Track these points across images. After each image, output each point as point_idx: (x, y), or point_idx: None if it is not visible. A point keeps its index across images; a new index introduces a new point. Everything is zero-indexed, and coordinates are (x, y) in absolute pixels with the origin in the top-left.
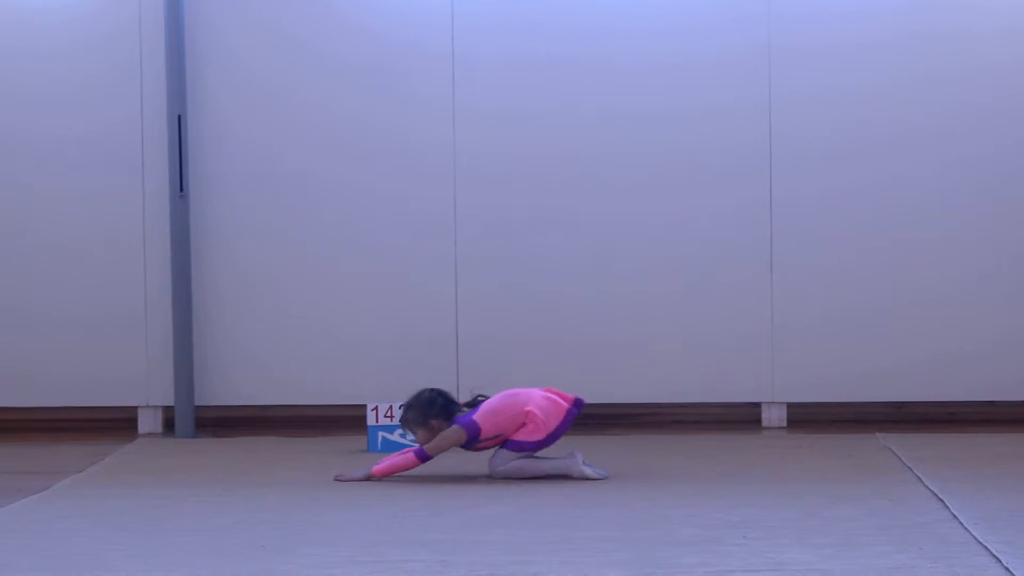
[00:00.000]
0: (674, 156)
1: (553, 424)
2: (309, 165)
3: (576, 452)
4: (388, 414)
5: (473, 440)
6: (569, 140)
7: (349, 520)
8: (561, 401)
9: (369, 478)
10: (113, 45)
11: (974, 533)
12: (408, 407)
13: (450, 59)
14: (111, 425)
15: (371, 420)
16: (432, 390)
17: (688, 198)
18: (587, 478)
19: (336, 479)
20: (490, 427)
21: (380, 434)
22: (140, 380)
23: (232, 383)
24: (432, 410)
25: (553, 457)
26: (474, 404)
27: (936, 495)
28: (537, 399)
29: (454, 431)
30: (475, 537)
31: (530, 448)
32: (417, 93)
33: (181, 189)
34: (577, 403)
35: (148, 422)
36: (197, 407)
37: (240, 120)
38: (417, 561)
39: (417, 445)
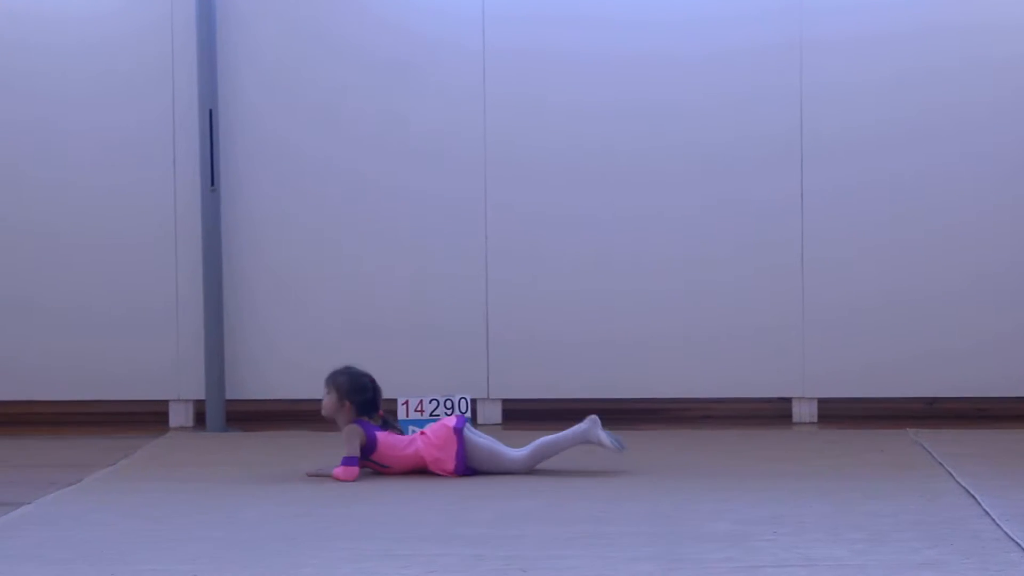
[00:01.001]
0: (703, 148)
1: (451, 449)
2: (339, 159)
3: (595, 417)
4: (418, 408)
5: (368, 450)
6: (601, 133)
7: (380, 514)
8: (447, 426)
9: (332, 477)
10: (145, 41)
11: (1006, 529)
12: (343, 373)
13: (481, 54)
14: (142, 419)
15: (401, 414)
16: (373, 381)
17: (719, 191)
18: (603, 444)
19: (308, 474)
20: (383, 453)
21: (410, 428)
22: (171, 374)
23: (263, 377)
24: (357, 395)
25: (568, 429)
26: (385, 424)
27: (968, 491)
28: (428, 438)
29: (357, 431)
30: (507, 531)
31: (463, 458)
32: (447, 87)
33: (212, 183)
34: (459, 419)
35: (179, 416)
36: (228, 401)
37: (270, 114)
38: (451, 555)
39: (352, 458)
